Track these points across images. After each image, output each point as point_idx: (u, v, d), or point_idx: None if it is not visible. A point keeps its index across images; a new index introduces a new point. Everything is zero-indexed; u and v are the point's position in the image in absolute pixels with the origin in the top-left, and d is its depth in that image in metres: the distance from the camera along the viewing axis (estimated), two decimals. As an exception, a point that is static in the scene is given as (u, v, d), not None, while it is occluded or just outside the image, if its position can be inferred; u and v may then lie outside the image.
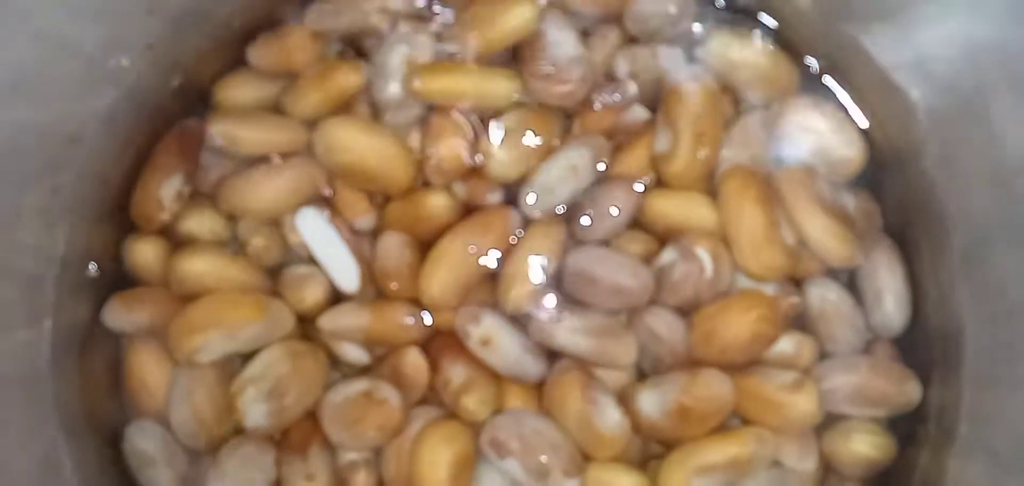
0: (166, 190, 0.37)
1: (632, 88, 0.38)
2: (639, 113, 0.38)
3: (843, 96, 0.38)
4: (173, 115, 0.38)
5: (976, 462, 0.34)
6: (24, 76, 0.31)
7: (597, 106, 0.37)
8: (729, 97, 0.38)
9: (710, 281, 0.36)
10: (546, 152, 0.37)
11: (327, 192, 0.37)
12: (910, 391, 0.37)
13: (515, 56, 0.38)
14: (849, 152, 0.37)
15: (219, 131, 0.37)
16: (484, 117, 0.37)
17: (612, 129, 0.38)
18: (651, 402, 0.36)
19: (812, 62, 0.39)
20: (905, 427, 0.37)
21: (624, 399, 0.36)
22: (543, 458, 0.34)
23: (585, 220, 0.37)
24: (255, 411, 0.35)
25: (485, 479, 0.35)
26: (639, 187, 0.37)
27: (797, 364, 0.37)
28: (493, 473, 0.35)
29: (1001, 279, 0.32)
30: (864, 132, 0.37)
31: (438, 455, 0.34)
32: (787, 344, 0.37)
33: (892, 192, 0.38)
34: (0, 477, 0.32)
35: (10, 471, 0.33)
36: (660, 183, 0.37)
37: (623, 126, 0.38)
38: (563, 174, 0.36)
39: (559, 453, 0.35)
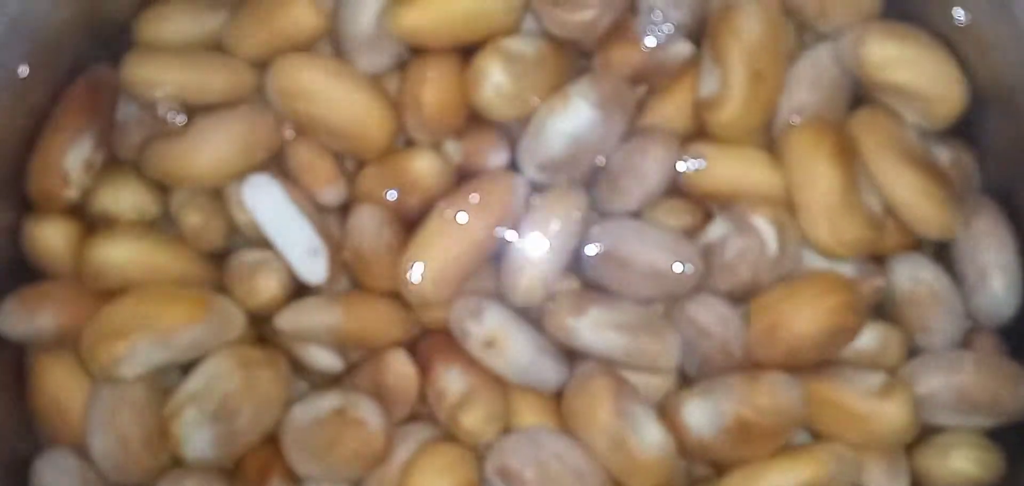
0: (72, 158, 0.34)
1: (675, 12, 0.34)
2: (680, 48, 0.34)
3: (937, 21, 0.34)
4: (82, 59, 0.35)
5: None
6: None
7: (643, 45, 0.34)
8: (792, 24, 0.35)
9: (773, 260, 0.33)
10: (559, 98, 0.33)
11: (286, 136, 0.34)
12: (1026, 394, 0.34)
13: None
14: (945, 92, 0.34)
15: (137, 76, 0.34)
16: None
17: (644, 68, 0.34)
18: (701, 415, 0.33)
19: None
20: (1014, 439, 0.34)
21: (666, 412, 0.33)
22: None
23: (612, 185, 0.34)
24: (197, 438, 0.33)
25: (494, 519, 0.32)
26: (683, 164, 0.34)
27: (882, 363, 0.34)
28: (503, 511, 0.32)
29: None
30: (963, 66, 0.34)
31: (433, 490, 0.32)
32: (869, 338, 0.34)
33: (997, 142, 0.35)
34: None
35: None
36: (706, 136, 0.34)
37: (658, 64, 0.34)
38: (577, 126, 0.33)
39: (585, 483, 0.32)
